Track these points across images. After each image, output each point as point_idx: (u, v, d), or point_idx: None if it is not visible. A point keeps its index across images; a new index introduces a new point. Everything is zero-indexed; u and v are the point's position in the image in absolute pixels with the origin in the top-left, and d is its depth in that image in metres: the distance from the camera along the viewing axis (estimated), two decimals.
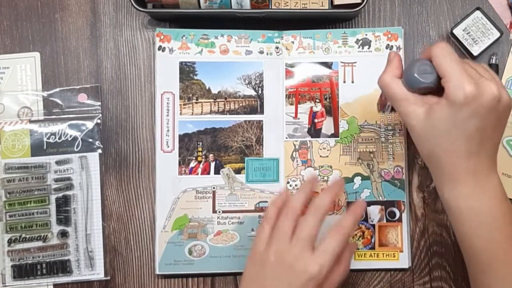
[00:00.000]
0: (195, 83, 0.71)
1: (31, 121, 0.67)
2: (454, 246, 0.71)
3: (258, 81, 0.71)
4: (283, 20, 0.72)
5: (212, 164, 0.70)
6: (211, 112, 0.71)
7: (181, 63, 0.71)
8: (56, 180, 0.67)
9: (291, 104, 0.71)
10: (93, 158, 0.68)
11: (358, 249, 0.70)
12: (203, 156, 0.70)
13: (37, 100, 0.71)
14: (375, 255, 0.70)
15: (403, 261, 0.70)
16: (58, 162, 0.67)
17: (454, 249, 0.71)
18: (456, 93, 0.51)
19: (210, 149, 0.70)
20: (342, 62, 0.71)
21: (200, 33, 0.70)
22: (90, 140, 0.68)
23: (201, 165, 0.70)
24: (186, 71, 0.71)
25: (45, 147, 0.67)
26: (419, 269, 0.71)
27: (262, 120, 0.71)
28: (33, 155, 0.67)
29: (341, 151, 0.71)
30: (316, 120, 0.71)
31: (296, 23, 0.72)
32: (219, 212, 0.70)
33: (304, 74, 0.71)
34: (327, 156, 0.71)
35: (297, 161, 0.70)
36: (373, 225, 0.70)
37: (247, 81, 0.71)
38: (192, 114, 0.71)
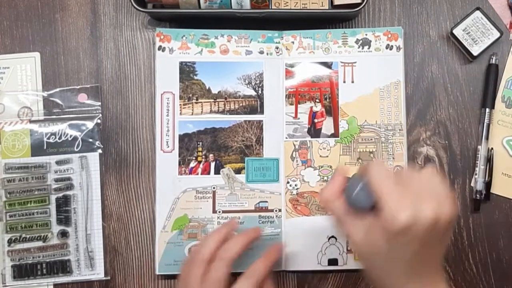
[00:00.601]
0: (195, 83, 0.71)
1: (31, 121, 0.67)
2: (454, 246, 0.71)
3: (258, 81, 0.71)
4: (283, 20, 0.72)
5: (212, 164, 0.70)
6: (211, 112, 0.71)
7: (181, 63, 0.71)
8: (57, 180, 0.67)
9: (291, 104, 0.71)
10: (93, 158, 0.68)
11: None
12: (203, 156, 0.70)
13: (37, 100, 0.71)
14: None
15: None
16: (58, 162, 0.67)
17: (454, 249, 0.71)
18: (390, 222, 0.48)
19: (210, 149, 0.70)
20: (342, 62, 0.71)
21: (200, 33, 0.70)
22: (90, 140, 0.68)
23: (201, 165, 0.70)
24: (186, 71, 0.71)
25: (45, 147, 0.67)
26: None
27: (262, 120, 0.71)
28: (33, 155, 0.67)
29: (341, 151, 0.71)
30: (316, 120, 0.71)
31: (296, 23, 0.72)
32: (219, 212, 0.70)
33: (304, 74, 0.71)
34: (327, 156, 0.71)
35: (297, 161, 0.70)
36: None
37: (247, 81, 0.71)
38: (192, 114, 0.71)
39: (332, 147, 0.71)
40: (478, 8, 0.71)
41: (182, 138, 0.70)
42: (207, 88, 0.71)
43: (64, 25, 0.73)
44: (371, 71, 0.71)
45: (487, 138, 0.71)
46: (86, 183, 0.67)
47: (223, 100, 0.71)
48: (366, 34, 0.71)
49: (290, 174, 0.70)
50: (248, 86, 0.71)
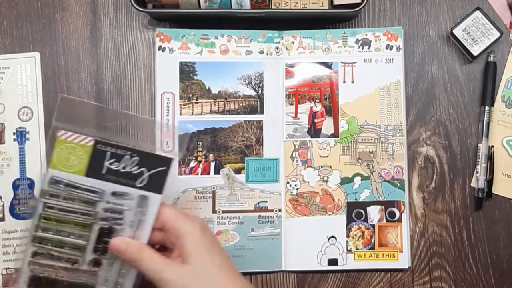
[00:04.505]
0: (195, 83, 0.71)
1: (97, 141, 0.56)
2: (454, 246, 0.71)
3: (258, 81, 0.71)
4: (283, 20, 0.72)
5: (212, 164, 0.70)
6: (211, 112, 0.71)
7: (181, 63, 0.71)
8: (107, 211, 0.57)
9: (291, 104, 0.71)
10: (154, 200, 0.58)
11: (358, 249, 0.70)
12: (203, 156, 0.70)
13: (37, 101, 0.71)
14: (375, 255, 0.70)
15: (403, 261, 0.70)
16: (114, 194, 0.57)
17: (454, 249, 0.71)
18: None
19: (210, 149, 0.70)
20: (342, 62, 0.71)
21: (200, 33, 0.70)
22: (157, 181, 0.58)
23: (201, 165, 0.70)
24: (186, 71, 0.71)
25: (104, 171, 0.56)
26: (419, 269, 0.71)
27: (262, 120, 0.71)
28: (87, 175, 0.56)
29: (341, 151, 0.71)
30: (316, 120, 0.71)
31: (296, 23, 0.72)
32: (219, 212, 0.70)
33: (304, 74, 0.71)
34: (327, 156, 0.71)
35: (297, 161, 0.70)
36: (373, 225, 0.70)
37: (247, 81, 0.71)
38: (192, 114, 0.71)
39: (332, 147, 0.71)
40: (478, 8, 0.71)
41: (182, 138, 0.70)
42: (207, 88, 0.71)
43: (64, 25, 0.73)
44: (371, 71, 0.71)
45: (487, 136, 0.71)
46: (137, 223, 0.58)
47: (223, 100, 0.71)
48: (366, 34, 0.71)
49: (290, 174, 0.70)
50: (248, 86, 0.71)
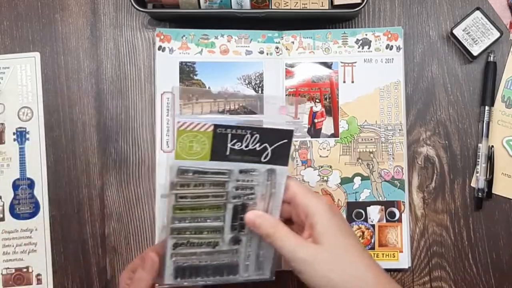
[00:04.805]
0: (195, 83, 0.71)
1: (216, 126, 0.56)
2: (454, 246, 0.71)
3: (258, 81, 0.71)
4: (283, 20, 0.72)
5: None
6: (211, 112, 0.71)
7: (181, 63, 0.71)
8: (237, 188, 0.58)
9: (291, 104, 0.71)
10: (281, 173, 0.58)
11: None
12: None
13: (37, 101, 0.72)
14: (375, 255, 0.70)
15: (403, 261, 0.70)
16: (242, 171, 0.57)
17: (454, 249, 0.71)
18: None
19: None
20: (342, 62, 0.71)
21: (200, 33, 0.70)
22: (280, 154, 0.58)
23: None
24: (186, 71, 0.71)
25: (228, 153, 0.56)
26: (419, 269, 0.71)
27: (262, 120, 0.71)
28: (212, 159, 0.56)
29: (341, 151, 0.71)
30: (316, 120, 0.71)
31: (296, 23, 0.72)
32: None
33: (304, 74, 0.71)
34: (327, 156, 0.71)
35: (297, 161, 0.70)
36: (373, 225, 0.70)
37: (247, 81, 0.71)
38: (192, 114, 0.70)
39: (332, 147, 0.71)
40: (478, 8, 0.71)
41: None
42: (207, 88, 0.71)
43: (64, 25, 0.73)
44: (371, 71, 0.71)
45: (487, 136, 0.71)
46: (269, 195, 0.58)
47: (223, 100, 0.71)
48: (366, 34, 0.71)
49: (290, 174, 0.70)
50: (248, 86, 0.71)
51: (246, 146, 0.56)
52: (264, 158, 0.56)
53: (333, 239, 0.54)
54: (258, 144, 0.56)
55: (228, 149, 0.56)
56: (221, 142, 0.55)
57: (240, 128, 0.55)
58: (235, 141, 0.55)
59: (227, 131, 0.55)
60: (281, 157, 0.57)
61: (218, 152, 0.56)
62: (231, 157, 0.56)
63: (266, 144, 0.56)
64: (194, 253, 0.58)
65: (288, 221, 0.59)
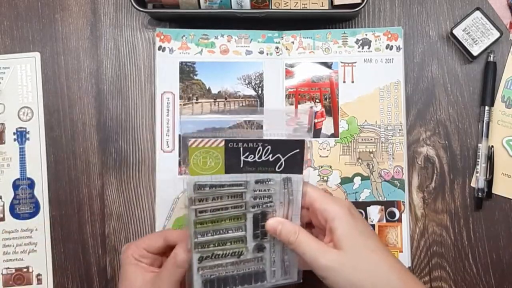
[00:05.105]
0: (195, 83, 0.71)
1: (227, 141, 0.56)
2: (454, 246, 0.71)
3: (258, 81, 0.71)
4: (283, 20, 0.72)
5: None
6: (211, 112, 0.71)
7: (181, 63, 0.71)
8: (255, 198, 0.58)
9: (291, 104, 0.71)
10: (297, 180, 0.58)
11: None
12: None
13: (37, 101, 0.72)
14: None
15: (403, 261, 0.70)
16: (258, 182, 0.58)
17: (454, 249, 0.71)
18: None
19: None
20: (342, 62, 0.71)
21: (200, 33, 0.70)
22: (294, 163, 0.58)
23: None
24: (186, 71, 0.71)
25: (241, 165, 0.57)
26: (419, 269, 0.71)
27: (262, 120, 0.71)
28: (227, 173, 0.57)
29: (341, 151, 0.71)
30: (316, 120, 0.71)
31: (296, 23, 0.72)
32: None
33: (304, 74, 0.71)
34: (327, 156, 0.71)
35: None
36: (373, 225, 0.70)
37: (247, 81, 0.71)
38: (192, 114, 0.71)
39: (332, 147, 0.71)
40: (478, 8, 0.71)
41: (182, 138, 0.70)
42: (207, 88, 0.71)
43: (64, 25, 0.73)
44: (371, 71, 0.71)
45: (487, 136, 0.71)
46: (287, 202, 0.59)
47: (223, 100, 0.71)
48: (366, 34, 0.71)
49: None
50: (248, 86, 0.71)
51: (259, 158, 0.56)
52: (279, 168, 0.57)
53: (354, 243, 0.54)
54: (270, 155, 0.56)
55: (242, 161, 0.56)
56: (234, 156, 0.55)
57: (252, 142, 0.55)
58: (247, 153, 0.56)
59: (238, 145, 0.55)
60: (295, 166, 0.57)
61: (232, 165, 0.56)
62: (246, 169, 0.56)
63: (278, 155, 0.56)
64: (220, 265, 0.58)
65: (309, 224, 0.60)
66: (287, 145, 0.56)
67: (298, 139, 0.56)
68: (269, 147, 0.56)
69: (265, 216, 0.58)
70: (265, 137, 0.56)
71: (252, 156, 0.56)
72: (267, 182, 0.57)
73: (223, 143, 0.55)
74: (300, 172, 0.57)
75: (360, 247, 0.54)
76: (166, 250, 0.59)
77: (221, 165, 0.56)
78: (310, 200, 0.57)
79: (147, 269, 0.58)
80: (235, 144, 0.55)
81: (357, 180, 0.70)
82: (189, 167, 0.55)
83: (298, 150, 0.56)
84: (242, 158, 0.56)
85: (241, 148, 0.55)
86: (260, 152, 0.56)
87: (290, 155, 0.56)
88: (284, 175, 0.57)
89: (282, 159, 0.56)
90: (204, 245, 0.57)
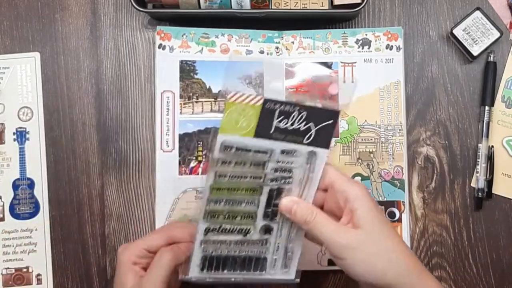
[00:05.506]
0: (195, 82, 0.71)
1: (267, 100, 0.54)
2: (454, 246, 0.71)
3: (258, 81, 0.71)
4: (283, 20, 0.72)
5: None
6: (211, 111, 0.71)
7: (181, 61, 0.71)
8: (276, 170, 0.56)
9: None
10: (322, 156, 0.56)
11: None
12: (204, 156, 0.70)
13: (37, 101, 0.72)
14: None
15: None
16: (283, 152, 0.55)
17: (454, 249, 0.71)
18: None
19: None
20: (342, 62, 0.71)
21: (200, 31, 0.71)
22: (323, 135, 0.56)
23: (201, 165, 0.70)
24: (187, 70, 0.71)
25: (272, 131, 0.54)
26: None
27: None
28: (256, 136, 0.54)
29: (341, 151, 0.71)
30: None
31: (296, 23, 0.72)
32: None
33: (304, 74, 0.71)
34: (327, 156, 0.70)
35: None
36: None
37: (247, 81, 0.71)
38: (193, 113, 0.71)
39: (332, 147, 0.71)
40: (478, 8, 0.71)
41: (182, 137, 0.70)
42: (207, 87, 0.71)
43: (64, 25, 0.73)
44: (371, 71, 0.71)
45: (487, 136, 0.71)
46: (306, 180, 0.57)
47: (224, 99, 0.71)
48: (366, 34, 0.72)
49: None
50: (249, 85, 0.71)
51: (292, 125, 0.54)
52: (307, 140, 0.55)
53: (374, 225, 0.53)
54: (303, 124, 0.54)
55: (273, 127, 0.54)
56: (267, 118, 0.53)
57: (289, 104, 0.53)
58: (282, 117, 0.54)
59: (275, 106, 0.53)
60: (324, 138, 0.55)
61: (263, 128, 0.54)
62: (275, 136, 0.54)
63: (311, 124, 0.54)
64: (224, 241, 0.57)
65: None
66: (322, 114, 0.54)
67: (335, 109, 0.55)
68: (305, 113, 0.54)
69: (280, 193, 0.56)
70: (268, 92, 0.54)
71: (286, 121, 0.54)
72: (292, 154, 0.55)
73: (261, 101, 0.53)
74: (327, 146, 0.55)
75: (379, 231, 0.53)
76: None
77: (252, 127, 0.53)
78: (331, 179, 0.56)
79: (140, 273, 0.58)
80: (273, 104, 0.53)
81: (357, 180, 0.70)
82: (220, 125, 0.53)
83: (331, 122, 0.55)
84: (275, 122, 0.54)
85: (277, 111, 0.53)
86: (294, 118, 0.54)
87: (321, 126, 0.54)
88: (310, 148, 0.55)
89: (313, 130, 0.54)
90: (214, 215, 0.56)
